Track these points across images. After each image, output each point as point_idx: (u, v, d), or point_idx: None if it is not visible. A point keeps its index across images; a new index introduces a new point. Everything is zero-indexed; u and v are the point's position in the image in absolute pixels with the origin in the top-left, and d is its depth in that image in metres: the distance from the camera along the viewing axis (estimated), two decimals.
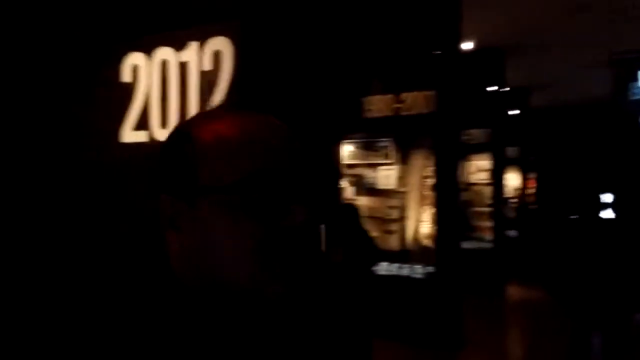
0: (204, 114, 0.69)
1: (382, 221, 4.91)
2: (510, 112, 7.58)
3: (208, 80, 1.60)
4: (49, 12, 1.88)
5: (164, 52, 1.70)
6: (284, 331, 0.69)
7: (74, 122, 1.89)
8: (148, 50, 1.72)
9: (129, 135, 1.76)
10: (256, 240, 0.60)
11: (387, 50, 4.46)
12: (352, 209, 3.48)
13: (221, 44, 1.57)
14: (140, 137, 1.74)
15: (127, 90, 1.76)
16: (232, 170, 0.61)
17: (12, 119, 1.89)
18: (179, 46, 1.66)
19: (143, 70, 1.74)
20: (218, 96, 1.59)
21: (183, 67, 1.65)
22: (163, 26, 1.70)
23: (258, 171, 0.61)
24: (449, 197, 4.30)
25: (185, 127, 0.67)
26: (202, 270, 0.62)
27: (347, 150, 5.15)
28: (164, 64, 1.69)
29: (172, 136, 0.67)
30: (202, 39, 1.61)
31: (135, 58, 1.75)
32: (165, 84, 1.69)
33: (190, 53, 1.64)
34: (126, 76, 1.77)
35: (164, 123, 1.71)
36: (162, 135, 1.69)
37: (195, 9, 1.65)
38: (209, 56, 1.60)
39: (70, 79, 1.89)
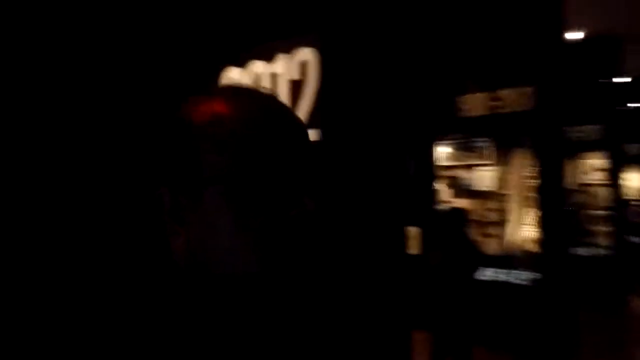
0: (202, 99, 0.63)
1: (480, 224, 4.70)
2: (629, 105, 6.89)
3: (296, 89, 1.69)
4: (161, 35, 2.06)
5: (257, 65, 1.84)
6: (284, 324, 0.66)
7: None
8: (243, 64, 1.87)
9: None
10: (258, 234, 0.57)
11: (483, 45, 4.28)
12: (459, 213, 3.42)
13: (307, 54, 1.67)
14: None
15: None
16: (229, 159, 0.57)
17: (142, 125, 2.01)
18: (269, 58, 1.78)
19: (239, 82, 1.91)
20: (307, 103, 1.66)
21: (274, 77, 1.77)
22: (255, 41, 1.83)
23: (259, 159, 0.57)
24: (554, 198, 4.02)
25: (182, 114, 0.62)
26: (204, 263, 0.59)
27: (443, 152, 5.01)
28: (257, 76, 1.83)
29: (169, 125, 0.63)
30: (290, 51, 1.71)
31: (232, 72, 1.92)
32: None
33: (280, 64, 1.75)
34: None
35: None
36: None
37: (283, 23, 1.76)
38: (296, 66, 1.70)
39: (179, 94, 2.05)
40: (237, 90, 0.63)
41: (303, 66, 1.68)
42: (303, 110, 1.68)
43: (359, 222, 1.69)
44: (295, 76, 1.70)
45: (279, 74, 1.75)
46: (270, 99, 0.61)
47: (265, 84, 1.80)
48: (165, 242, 0.63)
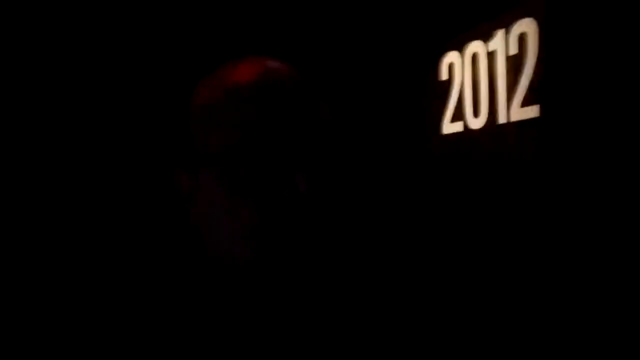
0: (202, 80, 0.63)
1: None
2: None
3: (514, 65, 1.63)
4: (381, 22, 2.18)
5: (474, 46, 1.81)
6: (280, 310, 0.62)
7: (403, 118, 2.16)
8: (460, 47, 1.87)
9: (447, 126, 1.95)
10: (251, 217, 0.55)
11: None
12: None
13: (526, 26, 1.59)
14: (457, 127, 1.91)
15: (445, 87, 1.95)
16: (219, 138, 0.56)
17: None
18: (486, 37, 1.75)
19: (457, 66, 1.90)
20: (525, 79, 1.59)
21: (490, 56, 1.73)
22: (473, 22, 1.82)
23: (248, 137, 0.55)
24: None
25: (189, 95, 0.63)
26: (208, 246, 0.61)
27: None
28: (474, 57, 1.81)
29: (175, 106, 0.65)
30: (507, 25, 1.65)
31: (450, 57, 1.93)
32: (475, 76, 1.81)
33: (497, 41, 1.70)
34: (444, 74, 1.96)
35: (476, 113, 1.82)
36: (475, 124, 1.81)
37: None
38: (514, 41, 1.63)
39: (400, 81, 2.18)
40: (235, 69, 0.61)
41: (522, 40, 1.61)
42: (523, 87, 1.60)
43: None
44: (513, 51, 1.64)
45: (496, 51, 1.71)
46: (272, 73, 0.59)
47: (482, 64, 1.77)
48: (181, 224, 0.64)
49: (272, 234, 0.55)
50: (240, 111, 0.56)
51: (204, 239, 0.60)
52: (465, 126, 1.86)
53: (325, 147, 0.59)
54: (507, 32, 1.65)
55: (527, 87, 1.57)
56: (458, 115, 1.88)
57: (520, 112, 1.58)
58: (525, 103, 1.57)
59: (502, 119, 1.66)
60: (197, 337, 0.59)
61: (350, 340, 0.65)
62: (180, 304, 0.60)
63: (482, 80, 1.77)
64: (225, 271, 0.59)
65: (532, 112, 1.54)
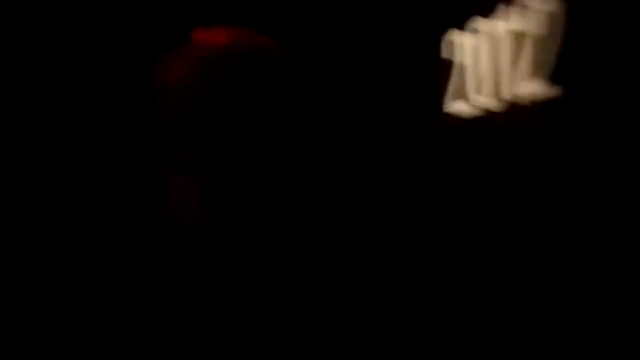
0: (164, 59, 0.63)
1: None
2: None
3: (520, 42, 1.59)
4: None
5: (477, 22, 1.77)
6: (240, 294, 0.60)
7: (406, 97, 2.08)
8: (463, 23, 1.82)
9: (452, 105, 1.90)
10: (202, 198, 0.55)
11: None
12: None
13: (545, 3, 1.52)
14: (460, 106, 1.86)
15: (447, 65, 1.88)
16: (164, 119, 0.57)
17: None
18: (488, 13, 1.70)
19: (463, 44, 1.85)
20: (528, 53, 1.55)
21: (494, 31, 1.68)
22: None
23: (184, 118, 0.54)
24: None
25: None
26: (185, 241, 0.59)
27: None
28: (483, 35, 1.76)
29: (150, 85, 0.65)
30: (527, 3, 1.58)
31: (454, 34, 1.87)
32: (480, 54, 1.76)
33: (499, 16, 1.66)
34: (446, 52, 1.90)
35: (479, 90, 1.79)
36: (479, 102, 1.77)
37: None
38: (516, 15, 1.59)
39: (403, 59, 2.08)
40: (202, 37, 0.60)
41: (524, 13, 1.56)
42: (526, 61, 1.55)
43: None
44: (516, 25, 1.60)
45: (499, 25, 1.67)
46: (233, 42, 0.58)
47: (486, 41, 1.72)
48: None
49: (221, 215, 0.54)
50: (181, 93, 0.55)
51: (181, 234, 0.58)
52: (469, 104, 1.81)
53: (283, 130, 0.56)
54: (509, 6, 1.61)
55: (531, 61, 1.54)
56: (461, 93, 1.84)
57: (525, 87, 1.55)
58: (530, 78, 1.53)
59: (506, 95, 1.62)
60: (182, 332, 0.58)
61: (330, 330, 0.64)
62: (167, 302, 0.59)
63: (485, 56, 1.73)
64: (205, 266, 0.57)
65: (537, 87, 1.51)
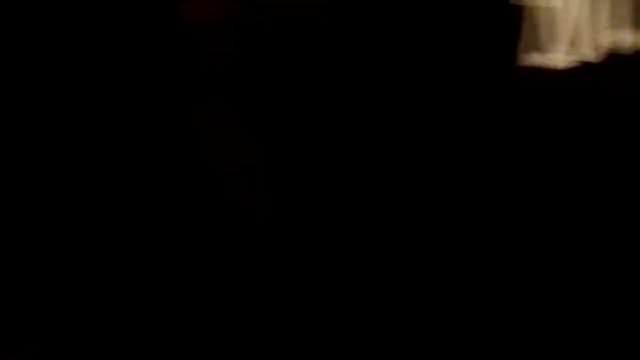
0: None
1: None
2: None
3: None
4: None
5: None
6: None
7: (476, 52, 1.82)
8: None
9: (525, 58, 1.72)
10: (247, 149, 0.54)
11: None
12: None
13: None
14: (536, 59, 1.67)
15: (521, 13, 1.71)
16: (204, 64, 0.61)
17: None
18: None
19: None
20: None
21: None
22: None
23: (258, 53, 0.55)
24: None
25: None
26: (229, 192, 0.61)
27: None
28: None
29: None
30: None
31: None
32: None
33: None
34: None
35: (556, 42, 1.65)
36: (556, 55, 1.63)
37: None
38: None
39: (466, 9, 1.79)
40: None
41: None
42: (607, 9, 1.43)
43: None
44: None
45: None
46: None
47: None
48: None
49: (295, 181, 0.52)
50: (248, 23, 0.52)
51: (222, 184, 0.57)
52: (545, 57, 1.68)
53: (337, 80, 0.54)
54: None
55: (612, 10, 1.44)
56: (537, 45, 1.74)
57: (608, 37, 1.44)
58: (614, 27, 1.43)
59: (586, 47, 1.51)
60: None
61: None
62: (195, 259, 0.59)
63: (561, 4, 1.60)
64: (242, 219, 0.56)
65: (622, 36, 1.40)
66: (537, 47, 1.72)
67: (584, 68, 1.55)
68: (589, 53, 1.54)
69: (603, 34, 1.49)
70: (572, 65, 1.59)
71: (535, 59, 1.72)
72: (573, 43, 1.62)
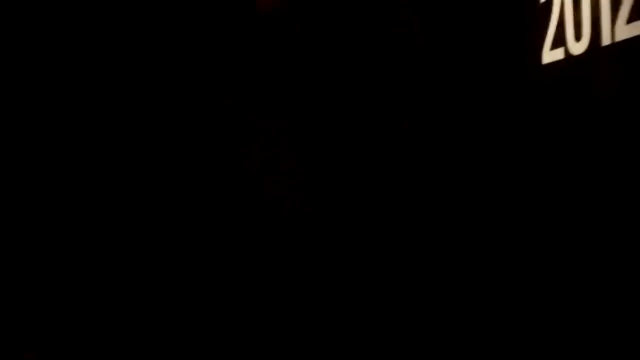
0: None
1: None
2: None
3: None
4: None
5: None
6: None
7: (498, 48, 1.94)
8: None
9: (548, 55, 1.75)
10: (296, 146, 0.55)
11: None
12: None
13: None
14: (558, 55, 1.71)
15: (544, 10, 1.72)
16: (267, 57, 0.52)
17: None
18: None
19: None
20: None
21: None
22: None
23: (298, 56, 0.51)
24: None
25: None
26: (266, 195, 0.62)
27: None
28: None
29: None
30: None
31: None
32: None
33: None
34: None
35: (578, 36, 1.61)
36: (577, 49, 1.60)
37: None
38: None
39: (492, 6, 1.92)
40: None
41: None
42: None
43: None
44: None
45: None
46: None
47: None
48: None
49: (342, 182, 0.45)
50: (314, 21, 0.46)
51: (260, 186, 0.52)
52: (567, 52, 1.64)
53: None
54: None
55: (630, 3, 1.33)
56: (559, 40, 1.66)
57: (628, 30, 1.36)
58: (633, 18, 1.32)
59: (606, 39, 1.43)
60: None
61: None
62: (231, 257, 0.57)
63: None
64: (283, 225, 0.51)
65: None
66: (550, 43, 1.70)
67: (595, 63, 1.50)
68: (601, 48, 1.49)
69: (619, 29, 1.44)
70: (583, 60, 1.54)
71: (548, 54, 1.71)
72: (584, 38, 1.57)
